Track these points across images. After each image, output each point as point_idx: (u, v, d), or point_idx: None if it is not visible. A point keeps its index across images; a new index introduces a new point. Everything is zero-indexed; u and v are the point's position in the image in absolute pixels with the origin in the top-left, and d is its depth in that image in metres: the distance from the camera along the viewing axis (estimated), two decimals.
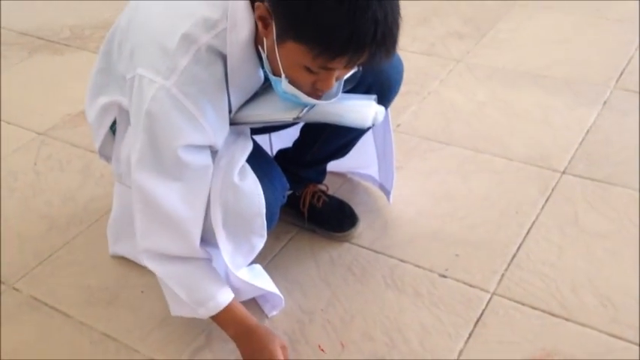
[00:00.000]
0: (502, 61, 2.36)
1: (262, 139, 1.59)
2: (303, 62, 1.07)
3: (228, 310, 1.29)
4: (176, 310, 1.33)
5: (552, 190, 1.73)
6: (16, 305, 1.50)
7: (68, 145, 2.05)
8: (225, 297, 1.28)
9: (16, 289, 1.55)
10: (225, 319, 1.30)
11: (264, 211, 1.26)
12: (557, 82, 2.21)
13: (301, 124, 1.57)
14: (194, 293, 1.27)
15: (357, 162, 1.72)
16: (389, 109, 1.55)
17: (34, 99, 2.33)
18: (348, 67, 1.08)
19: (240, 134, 1.30)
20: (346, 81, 1.21)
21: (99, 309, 1.48)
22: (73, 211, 1.77)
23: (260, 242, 1.32)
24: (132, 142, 1.20)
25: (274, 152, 1.68)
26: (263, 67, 1.20)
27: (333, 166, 1.71)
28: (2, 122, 2.20)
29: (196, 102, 1.12)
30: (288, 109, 1.21)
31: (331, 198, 1.69)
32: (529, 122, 2.03)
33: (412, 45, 2.50)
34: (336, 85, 1.18)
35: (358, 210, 1.67)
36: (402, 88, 1.49)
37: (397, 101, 1.54)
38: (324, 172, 1.70)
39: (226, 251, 1.28)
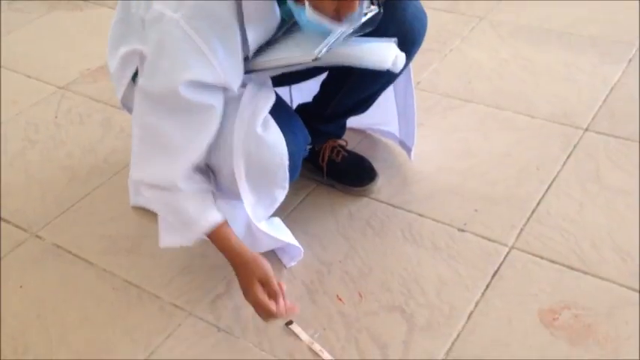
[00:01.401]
0: (526, 19, 2.31)
1: (283, 93, 1.58)
2: None
3: (218, 234, 1.25)
4: (166, 241, 1.31)
5: (574, 146, 1.71)
6: (39, 252, 1.53)
7: (88, 99, 2.06)
8: (213, 218, 1.24)
9: (39, 237, 1.57)
10: (216, 243, 1.26)
11: (286, 162, 1.26)
12: (582, 40, 2.16)
13: (322, 77, 1.56)
14: (181, 216, 1.23)
15: (378, 118, 1.71)
16: (411, 64, 1.53)
17: (54, 54, 2.33)
18: None
19: (263, 85, 1.29)
20: (366, 25, 1.19)
21: (120, 257, 1.50)
22: (93, 162, 1.79)
23: (281, 194, 1.32)
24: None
25: (294, 106, 1.68)
26: (280, 4, 1.19)
27: (353, 122, 1.70)
28: (22, 75, 2.21)
29: (205, 37, 1.10)
30: (306, 51, 1.19)
31: (350, 153, 1.68)
32: (553, 80, 1.99)
33: (434, 2, 2.46)
34: (358, 10, 1.15)
35: (377, 165, 1.66)
36: (423, 45, 1.47)
37: (418, 58, 1.52)
38: (343, 127, 1.69)
39: (248, 203, 1.28)
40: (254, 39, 1.19)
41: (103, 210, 1.64)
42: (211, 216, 1.24)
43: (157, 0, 1.12)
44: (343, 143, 1.68)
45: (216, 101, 1.19)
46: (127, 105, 1.47)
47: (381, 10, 1.18)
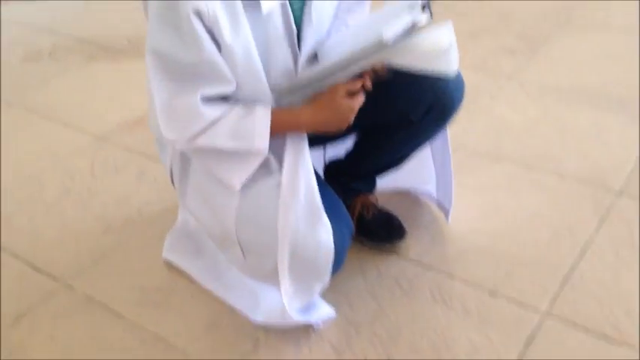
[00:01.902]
0: (555, 79, 2.33)
1: (316, 152, 1.59)
2: None
3: (275, 112, 1.22)
4: (240, 176, 1.27)
5: (607, 210, 1.70)
6: (70, 302, 1.55)
7: (124, 150, 2.11)
8: (263, 109, 1.22)
9: (71, 287, 1.60)
10: (280, 119, 1.23)
11: (332, 258, 1.27)
12: (612, 101, 2.17)
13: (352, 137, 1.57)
14: (242, 131, 1.21)
15: (415, 178, 1.71)
16: (447, 127, 1.55)
17: (92, 104, 2.40)
18: None
19: (301, 159, 1.27)
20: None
21: (150, 310, 1.51)
22: (127, 213, 1.82)
23: (320, 287, 1.34)
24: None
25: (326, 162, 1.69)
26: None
27: (390, 181, 1.70)
28: (60, 125, 2.28)
29: None
30: (372, 40, 1.15)
31: (380, 210, 1.69)
32: (583, 140, 1.99)
33: (462, 59, 2.46)
34: None
35: (406, 223, 1.66)
36: None
37: None
38: (374, 183, 1.70)
39: (287, 294, 1.30)
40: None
41: (135, 261, 1.66)
42: (259, 108, 1.21)
43: None
44: (374, 200, 1.69)
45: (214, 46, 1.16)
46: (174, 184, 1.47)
47: (431, 19, 1.17)
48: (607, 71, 2.34)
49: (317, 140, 1.43)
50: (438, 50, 1.19)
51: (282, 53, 1.24)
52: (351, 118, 1.25)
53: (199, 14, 1.11)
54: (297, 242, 1.24)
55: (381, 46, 1.14)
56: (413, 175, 1.67)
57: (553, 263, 1.55)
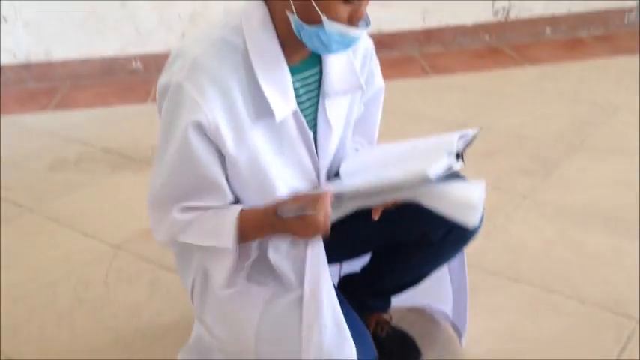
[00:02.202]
0: (570, 200, 2.34)
1: (333, 267, 1.58)
2: None
3: (244, 217, 1.22)
4: (219, 275, 1.28)
5: (628, 337, 1.65)
6: None
7: (139, 259, 2.12)
8: (233, 210, 1.23)
9: None
10: (250, 225, 1.23)
11: None
12: (629, 225, 2.16)
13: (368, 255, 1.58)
14: (210, 230, 1.23)
15: (432, 297, 1.69)
16: (464, 249, 1.55)
17: (112, 213, 2.44)
18: None
19: (321, 278, 1.27)
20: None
21: None
22: (138, 325, 1.80)
23: None
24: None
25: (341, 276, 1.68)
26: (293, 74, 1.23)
27: (407, 299, 1.68)
28: (79, 233, 2.31)
29: (202, 91, 1.13)
30: (415, 171, 1.19)
31: (394, 328, 1.66)
32: (601, 264, 1.97)
33: (478, 178, 2.52)
34: (365, 21, 1.19)
35: (421, 342, 1.63)
36: None
37: None
38: (389, 301, 1.68)
39: None
40: (272, 97, 1.19)
41: None
42: (232, 208, 1.23)
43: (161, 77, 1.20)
44: (388, 318, 1.67)
45: (215, 158, 1.20)
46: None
47: (464, 166, 1.22)
48: (622, 195, 2.35)
49: (334, 256, 1.44)
50: (467, 205, 1.24)
51: (298, 158, 1.27)
52: (320, 233, 1.22)
53: (200, 126, 1.14)
54: (322, 349, 1.21)
55: (424, 181, 1.17)
56: (429, 294, 1.65)
57: None
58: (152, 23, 3.79)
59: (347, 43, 1.17)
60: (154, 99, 3.50)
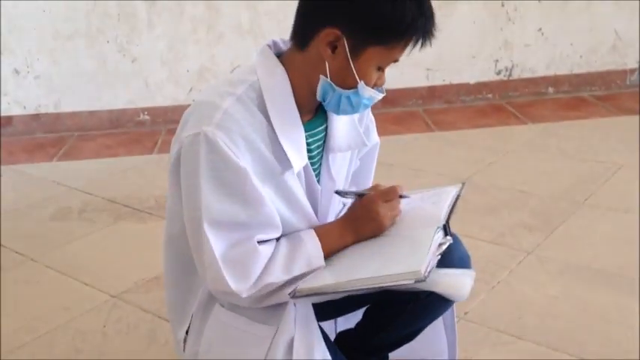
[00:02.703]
0: (574, 257, 2.33)
1: (327, 324, 1.57)
2: (378, 62, 1.23)
3: (321, 236, 1.29)
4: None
5: None
6: None
7: (138, 309, 2.10)
8: (310, 235, 1.29)
9: None
10: (329, 241, 1.30)
11: None
12: (632, 282, 2.14)
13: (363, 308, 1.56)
14: (296, 260, 1.25)
15: (428, 350, 1.66)
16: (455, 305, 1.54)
17: (113, 262, 2.44)
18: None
19: (309, 328, 1.29)
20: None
21: None
22: None
23: None
24: (188, 207, 1.22)
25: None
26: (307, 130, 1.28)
27: (401, 353, 1.65)
28: (79, 283, 2.30)
29: (238, 146, 1.18)
30: (407, 268, 1.18)
31: None
32: (606, 322, 1.94)
33: (481, 233, 2.52)
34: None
35: None
36: None
37: None
38: (387, 358, 1.65)
39: None
40: (289, 150, 1.24)
41: None
42: (306, 232, 1.30)
43: (185, 133, 1.21)
44: None
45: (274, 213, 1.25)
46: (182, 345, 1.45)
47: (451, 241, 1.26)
48: (625, 252, 2.33)
49: (329, 312, 1.42)
50: (457, 294, 1.29)
51: (302, 208, 1.31)
52: (389, 223, 1.32)
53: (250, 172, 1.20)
54: None
55: (417, 279, 1.16)
56: (425, 347, 1.62)
57: None
58: (161, 78, 3.87)
59: (368, 105, 1.29)
60: (160, 150, 3.58)
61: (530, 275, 2.23)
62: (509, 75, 4.10)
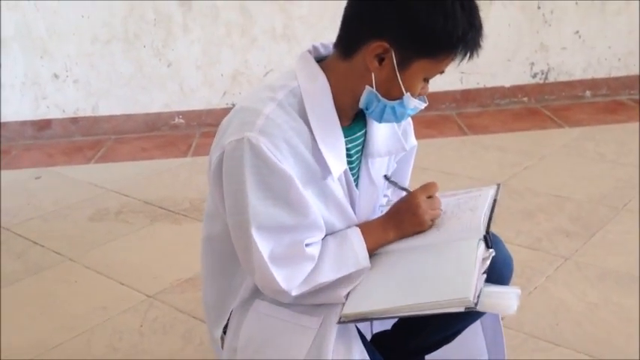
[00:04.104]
0: (614, 263, 2.28)
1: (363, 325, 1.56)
2: (424, 74, 1.24)
3: (365, 233, 1.31)
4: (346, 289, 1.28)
5: None
6: None
7: (174, 310, 2.13)
8: (355, 233, 1.31)
9: None
10: (372, 237, 1.32)
11: None
12: None
13: None
14: (345, 259, 1.27)
15: (467, 352, 1.65)
16: None
17: (149, 263, 2.47)
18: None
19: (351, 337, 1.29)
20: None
21: None
22: None
23: None
24: (233, 211, 1.23)
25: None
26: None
27: (439, 355, 1.64)
28: (116, 283, 2.33)
29: (281, 151, 1.19)
30: (455, 294, 1.16)
31: None
32: None
33: (517, 238, 2.49)
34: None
35: None
36: None
37: None
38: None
39: None
40: (329, 157, 1.25)
41: None
42: (351, 229, 1.31)
43: (227, 139, 1.22)
44: None
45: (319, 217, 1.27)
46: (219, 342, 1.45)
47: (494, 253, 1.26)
48: None
49: None
50: (504, 313, 1.30)
51: (342, 212, 1.32)
52: (429, 220, 1.34)
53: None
54: None
55: (467, 307, 1.15)
56: (463, 350, 1.61)
57: None
58: (196, 82, 3.91)
59: (410, 115, 1.30)
60: (195, 153, 3.62)
61: (568, 281, 2.19)
62: (545, 78, 4.04)
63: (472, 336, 1.59)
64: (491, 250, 1.26)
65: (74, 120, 3.92)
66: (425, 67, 1.22)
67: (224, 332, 1.42)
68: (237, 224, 1.23)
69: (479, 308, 1.18)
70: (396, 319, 1.55)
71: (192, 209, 2.91)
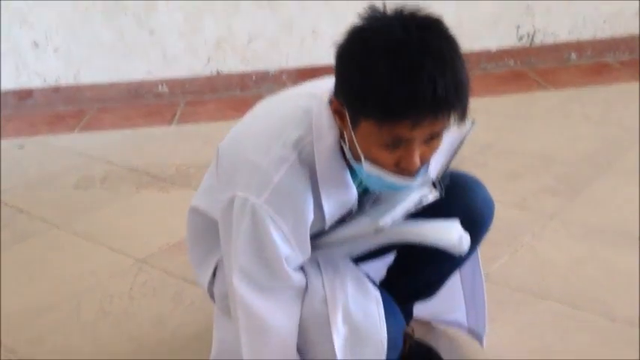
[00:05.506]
0: (598, 220, 2.30)
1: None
2: (376, 138, 1.07)
3: None
4: None
5: None
6: None
7: (163, 273, 2.13)
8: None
9: None
10: None
11: (384, 333, 1.24)
12: None
13: (388, 260, 1.56)
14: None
15: (444, 306, 1.67)
16: (478, 252, 1.54)
17: (137, 229, 2.46)
18: (420, 132, 1.06)
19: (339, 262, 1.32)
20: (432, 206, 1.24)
21: None
22: (161, 335, 1.80)
23: None
24: (225, 255, 1.24)
25: None
26: (354, 178, 1.24)
27: (418, 310, 1.67)
28: (105, 248, 2.32)
29: (285, 218, 1.17)
30: (369, 224, 1.23)
31: (418, 342, 1.63)
32: (632, 282, 1.93)
33: (503, 197, 2.49)
34: (424, 168, 1.16)
35: (446, 357, 1.59)
36: (493, 239, 1.49)
37: (487, 251, 1.53)
38: (410, 315, 1.65)
39: None
40: (332, 212, 1.24)
41: None
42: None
43: (237, 186, 1.19)
44: (410, 331, 1.64)
45: (303, 276, 1.25)
46: (211, 292, 1.49)
47: (443, 195, 1.23)
48: None
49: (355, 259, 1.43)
50: (446, 243, 1.27)
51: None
52: None
53: (287, 259, 1.20)
54: (348, 309, 1.23)
55: (377, 231, 1.21)
56: (442, 303, 1.64)
57: None
58: (179, 49, 3.86)
59: (391, 188, 1.18)
60: (179, 121, 3.59)
61: (554, 238, 2.22)
62: (532, 41, 4.03)
63: (450, 293, 1.62)
64: (434, 191, 1.24)
65: (56, 89, 3.86)
66: (371, 129, 1.07)
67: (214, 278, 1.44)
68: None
69: (423, 240, 1.24)
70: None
71: (178, 176, 2.89)
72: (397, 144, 1.08)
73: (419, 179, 1.16)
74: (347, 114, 1.10)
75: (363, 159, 1.12)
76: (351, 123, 1.10)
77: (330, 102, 1.16)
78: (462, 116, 1.07)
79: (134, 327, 1.85)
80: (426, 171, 1.18)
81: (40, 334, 1.85)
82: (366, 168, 1.12)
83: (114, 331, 1.84)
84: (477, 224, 1.41)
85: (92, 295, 2.03)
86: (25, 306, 1.98)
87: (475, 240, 1.40)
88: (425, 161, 1.13)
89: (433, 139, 1.10)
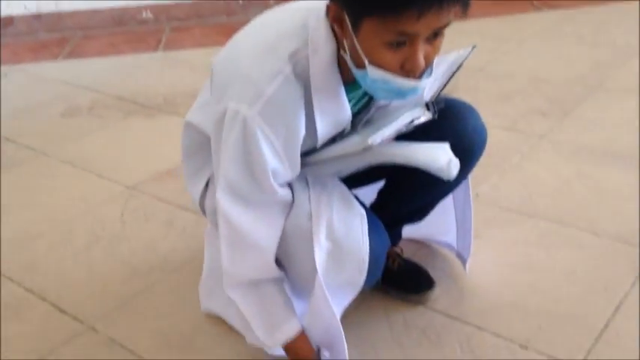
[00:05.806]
0: (588, 140, 2.31)
1: None
2: (380, 37, 1.04)
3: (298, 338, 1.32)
4: (251, 338, 1.36)
5: None
6: (93, 344, 1.54)
7: (154, 199, 2.13)
8: (296, 327, 1.31)
9: (95, 330, 1.58)
10: (293, 347, 1.33)
11: (367, 249, 1.25)
12: None
13: (379, 186, 1.57)
14: (272, 318, 1.29)
15: (436, 228, 1.70)
16: (469, 178, 1.54)
17: (126, 156, 2.45)
18: (425, 26, 1.03)
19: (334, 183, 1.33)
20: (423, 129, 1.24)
21: (173, 353, 1.49)
22: (154, 260, 1.82)
23: (353, 293, 1.32)
24: (215, 167, 1.25)
25: None
26: (350, 98, 1.24)
27: (410, 231, 1.69)
28: (94, 175, 2.32)
29: (276, 130, 1.16)
30: (359, 142, 1.24)
31: (406, 261, 1.66)
32: (617, 199, 1.95)
33: (493, 120, 2.47)
34: (428, 70, 1.13)
35: (434, 275, 1.63)
36: (482, 160, 1.47)
37: (476, 172, 1.53)
38: (399, 235, 1.68)
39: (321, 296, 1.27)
40: (325, 129, 1.23)
41: (159, 305, 1.65)
42: (295, 324, 1.31)
43: (230, 99, 1.17)
44: (398, 251, 1.67)
45: (289, 192, 1.26)
46: (202, 206, 1.50)
47: (436, 117, 1.22)
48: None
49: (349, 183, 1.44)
50: (434, 166, 1.26)
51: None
52: None
53: (275, 173, 1.19)
54: (332, 225, 1.24)
55: (366, 148, 1.21)
56: (434, 225, 1.66)
57: (587, 319, 1.49)
58: None
59: (398, 93, 1.13)
60: (165, 48, 3.52)
61: (542, 158, 2.23)
62: None
63: (443, 215, 1.63)
64: (427, 113, 1.24)
65: (37, 16, 3.75)
66: (375, 28, 1.04)
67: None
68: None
69: (413, 162, 1.25)
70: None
71: (165, 103, 2.86)
72: (401, 42, 1.05)
73: (424, 81, 1.12)
74: (347, 18, 1.07)
75: (367, 63, 1.08)
76: (352, 27, 1.07)
77: (328, 10, 1.12)
78: (465, 8, 1.06)
79: (126, 251, 1.87)
80: (430, 74, 1.14)
81: (34, 260, 1.87)
82: (371, 72, 1.09)
83: (106, 256, 1.86)
84: (467, 152, 1.40)
85: (84, 220, 2.04)
86: (17, 233, 2.00)
87: (466, 168, 1.41)
88: (429, 62, 1.10)
89: (437, 36, 1.08)
